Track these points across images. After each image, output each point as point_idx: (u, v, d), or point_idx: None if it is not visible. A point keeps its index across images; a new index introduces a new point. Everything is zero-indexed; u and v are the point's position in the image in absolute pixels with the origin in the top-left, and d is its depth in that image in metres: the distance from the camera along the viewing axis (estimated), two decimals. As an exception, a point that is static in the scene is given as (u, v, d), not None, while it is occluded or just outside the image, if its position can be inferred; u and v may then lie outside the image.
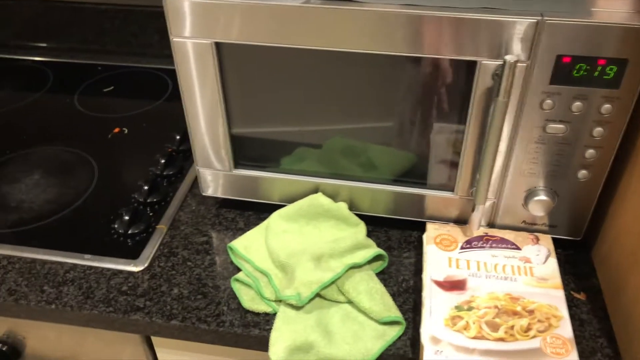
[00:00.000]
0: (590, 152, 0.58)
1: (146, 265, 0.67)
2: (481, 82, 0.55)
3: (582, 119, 0.56)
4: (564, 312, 0.57)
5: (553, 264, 0.62)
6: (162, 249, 0.69)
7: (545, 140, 0.58)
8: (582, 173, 0.60)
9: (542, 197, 0.62)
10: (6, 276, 0.66)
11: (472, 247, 0.63)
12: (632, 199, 0.58)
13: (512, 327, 0.55)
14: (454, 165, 0.63)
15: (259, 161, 0.69)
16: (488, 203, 0.65)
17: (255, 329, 0.60)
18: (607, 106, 0.54)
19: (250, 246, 0.67)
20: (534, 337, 0.54)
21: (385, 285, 0.63)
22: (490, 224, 0.67)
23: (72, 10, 1.06)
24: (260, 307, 0.61)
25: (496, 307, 0.57)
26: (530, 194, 0.63)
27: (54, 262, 0.68)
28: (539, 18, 0.51)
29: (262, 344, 0.59)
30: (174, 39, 0.60)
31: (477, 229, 0.65)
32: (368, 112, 0.61)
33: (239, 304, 0.62)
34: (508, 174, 0.62)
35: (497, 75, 0.54)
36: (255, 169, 0.70)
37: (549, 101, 0.55)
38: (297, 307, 0.60)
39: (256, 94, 0.63)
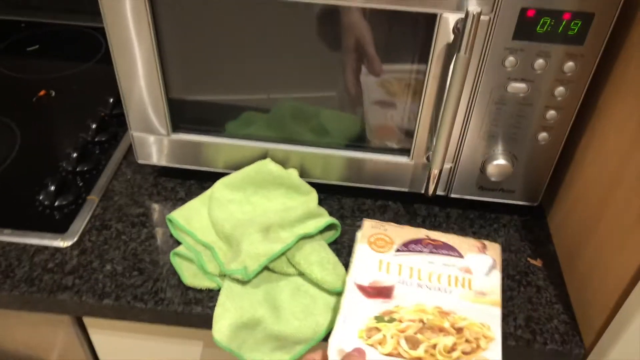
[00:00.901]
0: (551, 114, 0.56)
1: (75, 240, 0.61)
2: (441, 36, 0.51)
3: (544, 77, 0.53)
4: (496, 332, 0.50)
5: (496, 277, 0.55)
6: (94, 221, 0.63)
7: (506, 101, 0.55)
8: (542, 135, 0.58)
9: (501, 161, 0.59)
10: None
11: (409, 251, 0.56)
12: (589, 165, 0.57)
13: (434, 346, 0.49)
14: (410, 128, 0.59)
15: (201, 124, 0.63)
16: (445, 167, 0.62)
17: (197, 307, 0.55)
18: (570, 64, 0.52)
19: (192, 217, 0.62)
20: (456, 359, 0.48)
21: (338, 256, 0.60)
22: (447, 191, 0.64)
23: (-11, -42, 0.95)
24: (203, 282, 0.56)
25: (421, 321, 0.50)
26: (488, 158, 0.60)
27: (-33, 238, 0.60)
28: (503, -34, 0.47)
29: (206, 322, 0.54)
30: (99, -17, 0.52)
31: (432, 195, 0.62)
32: (317, 72, 0.57)
33: (180, 280, 0.57)
34: (466, 137, 0.59)
35: (458, 29, 0.50)
36: (196, 133, 0.64)
37: (511, 58, 0.52)
38: (243, 282, 0.56)
39: (195, 50, 0.57)
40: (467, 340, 0.49)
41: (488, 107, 0.56)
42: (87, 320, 0.62)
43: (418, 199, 0.68)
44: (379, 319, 0.50)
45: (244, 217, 0.60)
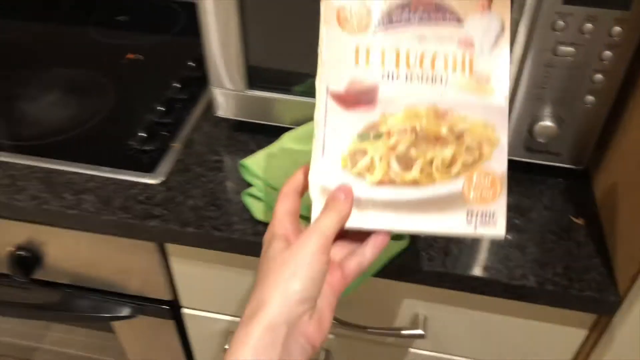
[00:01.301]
0: (598, 77, 0.60)
1: (163, 179, 0.70)
2: None
3: (592, 41, 0.57)
4: (501, 135, 0.42)
5: (504, 54, 0.43)
6: (178, 165, 0.72)
7: (555, 64, 0.60)
8: (589, 99, 0.62)
9: (548, 122, 0.64)
10: (28, 184, 0.69)
11: (393, 23, 0.42)
12: (635, 128, 0.60)
13: (430, 162, 0.41)
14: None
15: (273, 83, 0.71)
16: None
17: (266, 237, 0.63)
18: (617, 29, 0.56)
19: (262, 165, 0.69)
20: (457, 175, 0.41)
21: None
22: (496, 151, 0.69)
23: (87, -64, 1.06)
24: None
25: (414, 130, 0.41)
26: (535, 119, 0.64)
27: (72, 172, 0.71)
28: None
29: (273, 252, 0.62)
30: (195, -48, 0.60)
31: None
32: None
33: (251, 215, 0.65)
34: (516, 98, 0.63)
35: (512, -6, 0.55)
36: (268, 91, 0.71)
37: (560, 22, 0.57)
38: (306, 219, 0.63)
39: (272, 20, 0.64)
40: (467, 149, 0.42)
41: (537, 69, 0.60)
42: (169, 248, 0.71)
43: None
44: (362, 137, 0.42)
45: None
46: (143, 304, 0.78)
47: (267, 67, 0.69)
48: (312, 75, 0.43)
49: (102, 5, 1.04)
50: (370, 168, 0.41)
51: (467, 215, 0.42)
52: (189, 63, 0.87)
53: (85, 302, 0.79)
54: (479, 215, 0.42)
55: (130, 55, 0.91)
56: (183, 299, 0.77)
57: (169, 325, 0.80)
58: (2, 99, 0.82)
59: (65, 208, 0.66)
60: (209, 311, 0.78)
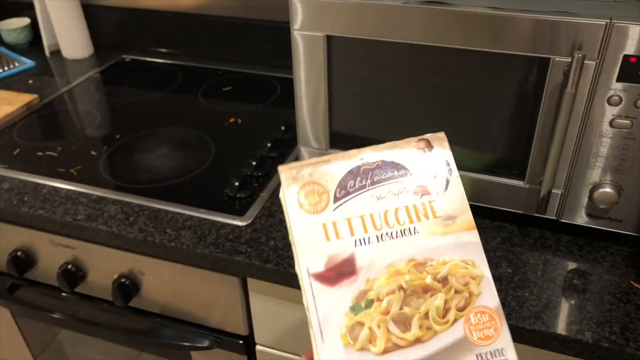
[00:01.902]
0: (654, 148, 0.64)
1: (249, 222, 0.80)
2: (553, 77, 0.63)
3: (646, 115, 0.62)
4: (482, 267, 0.42)
5: (457, 186, 0.44)
6: (263, 211, 0.82)
7: (612, 135, 0.65)
8: (647, 168, 0.65)
9: (607, 189, 0.68)
10: (138, 219, 0.81)
11: (349, 193, 0.44)
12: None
13: (426, 315, 0.41)
14: (526, 155, 0.70)
15: (352, 142, 0.80)
16: (556, 193, 0.71)
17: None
18: (670, 104, 0.61)
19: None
20: (455, 321, 0.41)
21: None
22: (557, 215, 0.73)
23: (204, 22, 1.25)
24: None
25: (401, 288, 0.42)
26: (596, 186, 0.68)
27: (175, 212, 0.82)
28: (608, 21, 0.59)
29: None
30: (294, 32, 0.73)
31: (540, 213, 0.71)
32: (455, 108, 0.71)
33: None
34: (575, 165, 0.68)
35: (568, 71, 0.62)
36: (347, 149, 0.80)
37: (615, 97, 0.62)
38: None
39: (356, 83, 0.74)
40: (456, 292, 0.42)
41: (595, 139, 0.66)
42: (250, 284, 0.79)
43: (532, 223, 0.77)
44: (355, 309, 0.41)
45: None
46: (221, 337, 0.85)
47: (348, 131, 0.78)
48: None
49: (211, 79, 1.21)
50: (371, 339, 0.41)
51: (477, 358, 0.41)
52: (281, 126, 0.99)
53: (170, 331, 0.87)
54: (489, 355, 0.41)
55: (231, 120, 1.05)
56: (258, 335, 0.84)
57: (242, 360, 0.87)
58: (126, 150, 0.97)
59: (167, 241, 0.77)
60: (280, 350, 0.84)
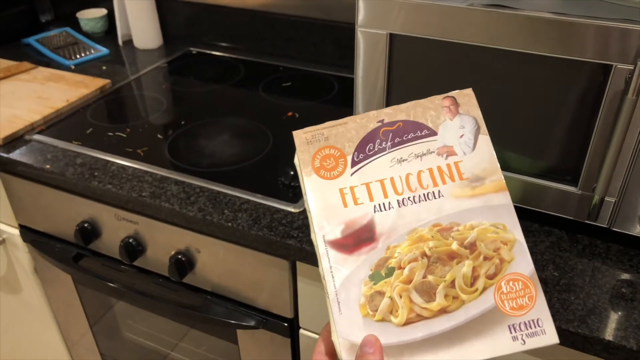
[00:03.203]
0: None
1: (302, 209, 0.83)
2: (614, 84, 0.64)
3: None
4: (515, 232, 0.39)
5: (486, 145, 0.42)
6: (316, 200, 0.85)
7: (671, 145, 0.65)
8: None
9: (663, 200, 0.67)
10: (198, 199, 0.86)
11: (368, 156, 0.42)
12: None
13: (452, 284, 0.38)
14: (580, 160, 0.71)
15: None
16: (609, 201, 0.71)
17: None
18: None
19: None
20: (484, 289, 0.38)
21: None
22: (609, 224, 0.73)
23: (268, 19, 1.30)
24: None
25: (424, 255, 0.39)
26: (651, 196, 0.68)
27: (233, 195, 0.86)
28: (674, 31, 0.59)
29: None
30: (358, 29, 0.76)
31: (591, 220, 0.71)
32: (512, 112, 0.72)
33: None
34: (631, 173, 0.68)
35: (630, 77, 0.62)
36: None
37: (676, 107, 0.62)
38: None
39: (414, 82, 0.77)
40: (485, 258, 0.39)
41: (653, 148, 0.66)
42: (299, 268, 0.82)
43: (582, 230, 0.77)
44: (375, 277, 0.39)
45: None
46: (267, 318, 0.89)
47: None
48: None
49: (272, 74, 1.26)
50: (392, 309, 0.38)
51: (510, 330, 0.38)
52: (337, 123, 1.02)
53: (220, 309, 0.92)
54: (523, 327, 0.38)
55: (289, 113, 1.09)
56: (302, 319, 0.87)
57: (286, 342, 0.90)
58: (189, 135, 1.03)
59: (224, 221, 0.81)
60: (322, 335, 0.87)
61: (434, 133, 0.42)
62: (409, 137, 0.42)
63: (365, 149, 0.42)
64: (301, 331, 0.89)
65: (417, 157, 0.42)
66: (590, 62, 0.64)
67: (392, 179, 0.41)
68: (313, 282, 0.82)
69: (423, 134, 0.42)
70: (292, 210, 0.83)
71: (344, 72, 1.24)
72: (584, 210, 0.73)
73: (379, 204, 0.41)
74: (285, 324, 0.88)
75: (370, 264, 0.39)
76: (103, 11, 1.47)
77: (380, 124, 0.43)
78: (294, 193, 0.86)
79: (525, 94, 0.70)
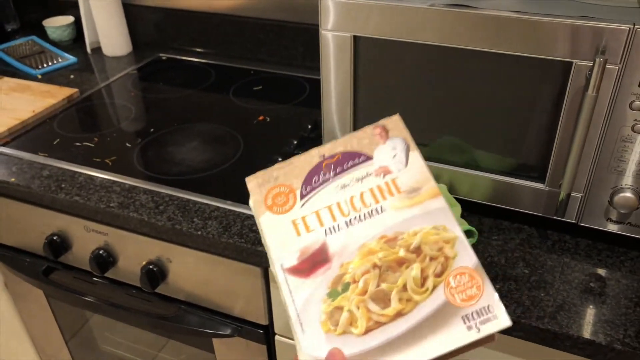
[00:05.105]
0: (676, 154, 0.64)
1: (273, 214, 0.82)
2: (575, 81, 0.64)
3: (668, 120, 0.62)
4: (454, 229, 0.42)
5: (417, 160, 0.46)
6: (287, 205, 0.84)
7: (633, 139, 0.65)
8: (668, 174, 0.65)
9: (628, 194, 0.68)
10: (167, 208, 0.85)
11: (314, 188, 0.46)
12: None
13: (404, 288, 0.41)
14: (546, 158, 0.71)
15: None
16: (575, 196, 0.72)
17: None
18: (692, 110, 0.61)
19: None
20: (434, 288, 0.40)
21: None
22: (577, 219, 0.73)
23: (238, 23, 1.29)
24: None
25: (375, 266, 0.42)
26: (616, 191, 0.69)
27: (203, 203, 0.85)
28: (632, 26, 0.60)
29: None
30: (322, 32, 0.75)
31: (558, 216, 0.72)
32: (479, 110, 0.72)
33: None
34: (595, 169, 0.69)
35: (590, 75, 0.63)
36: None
37: (637, 102, 0.63)
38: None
39: (381, 83, 0.76)
40: (431, 259, 0.42)
41: (616, 143, 0.66)
42: (271, 275, 0.82)
43: (552, 227, 0.78)
44: (332, 294, 0.42)
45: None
46: (242, 326, 0.88)
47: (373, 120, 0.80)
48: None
49: (243, 78, 1.25)
50: (352, 321, 0.41)
51: (464, 321, 0.40)
52: (307, 125, 1.02)
53: (194, 318, 0.91)
54: (476, 315, 0.40)
55: (260, 118, 1.08)
56: (277, 325, 0.87)
57: (262, 349, 0.89)
58: (159, 143, 1.01)
59: (194, 230, 0.80)
60: (297, 341, 0.86)
61: (369, 158, 0.47)
62: (349, 165, 0.47)
63: (311, 182, 0.47)
64: (277, 337, 0.88)
65: (358, 180, 0.46)
66: (552, 59, 0.65)
67: (338, 204, 0.45)
68: (286, 288, 0.81)
69: (360, 160, 0.47)
70: (263, 216, 0.82)
71: (315, 74, 1.24)
72: (552, 206, 0.74)
73: (329, 228, 0.45)
74: (261, 331, 0.87)
75: (327, 283, 0.43)
76: (70, 19, 1.45)
77: (322, 158, 0.48)
78: (265, 198, 0.86)
79: (490, 92, 0.70)
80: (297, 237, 0.45)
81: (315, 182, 0.46)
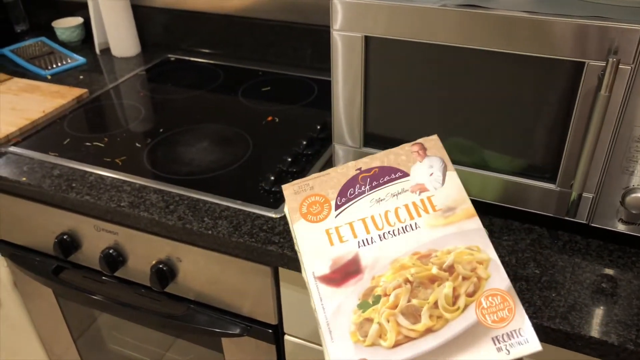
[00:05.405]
0: (688, 154, 0.64)
1: (283, 214, 0.82)
2: (587, 81, 0.64)
3: (681, 120, 0.62)
4: (489, 250, 0.43)
5: (454, 179, 0.47)
6: (297, 205, 0.84)
7: (645, 140, 0.65)
8: (681, 175, 0.65)
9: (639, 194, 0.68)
10: (177, 208, 0.85)
11: (350, 199, 0.47)
12: None
13: (435, 305, 0.41)
14: (558, 158, 0.71)
15: (385, 142, 0.82)
16: (587, 197, 0.71)
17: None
18: None
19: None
20: (466, 307, 0.41)
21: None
22: (588, 220, 0.73)
23: (246, 24, 1.29)
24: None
25: (407, 281, 0.42)
26: (628, 192, 0.69)
27: (213, 202, 0.86)
28: (644, 27, 0.60)
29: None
30: (333, 32, 0.76)
31: (569, 216, 0.71)
32: (489, 111, 0.72)
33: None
34: (607, 169, 0.69)
35: (602, 75, 0.62)
36: (380, 149, 0.83)
37: (650, 102, 0.63)
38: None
39: (391, 84, 0.76)
40: (464, 278, 0.42)
41: (628, 144, 0.66)
42: (281, 274, 0.82)
43: (562, 227, 0.77)
44: (363, 306, 0.43)
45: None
46: (251, 325, 0.88)
47: (382, 131, 0.81)
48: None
49: (251, 79, 1.25)
50: (381, 334, 0.41)
51: (495, 342, 0.40)
52: (316, 125, 1.02)
53: (203, 317, 0.91)
54: (506, 337, 0.40)
55: (269, 118, 1.09)
56: (287, 325, 0.87)
57: (271, 349, 0.89)
58: (168, 143, 1.02)
59: (204, 229, 0.81)
60: (308, 341, 0.86)
61: (406, 174, 0.48)
62: (385, 179, 0.48)
63: (346, 193, 0.48)
64: (286, 337, 0.88)
65: (394, 196, 0.47)
66: (564, 59, 0.65)
67: (372, 217, 0.46)
68: (296, 288, 0.81)
69: (397, 176, 0.48)
70: (273, 215, 0.82)
71: (324, 75, 1.24)
72: (563, 206, 0.74)
73: (363, 240, 0.45)
74: (270, 331, 0.87)
75: (358, 294, 0.43)
76: (79, 20, 1.45)
77: (358, 171, 0.49)
78: (275, 198, 0.86)
79: (501, 92, 0.70)
80: (330, 247, 0.46)
81: (350, 194, 0.48)
